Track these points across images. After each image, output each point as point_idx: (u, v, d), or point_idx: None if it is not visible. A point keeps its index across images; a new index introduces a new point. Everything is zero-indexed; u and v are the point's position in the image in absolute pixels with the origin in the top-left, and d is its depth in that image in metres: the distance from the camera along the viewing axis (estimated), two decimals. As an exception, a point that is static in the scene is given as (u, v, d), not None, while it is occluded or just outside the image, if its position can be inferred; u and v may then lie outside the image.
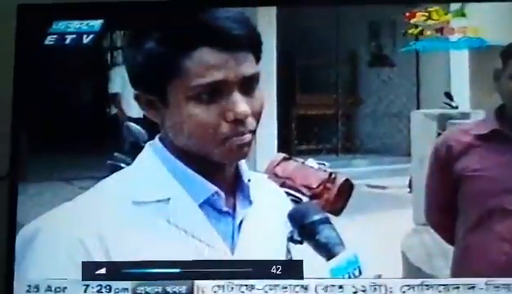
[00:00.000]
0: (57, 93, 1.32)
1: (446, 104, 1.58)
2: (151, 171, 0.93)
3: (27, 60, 1.21)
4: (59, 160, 1.29)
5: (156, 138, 0.96)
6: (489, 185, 1.21)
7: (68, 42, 1.22)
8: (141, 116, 1.04)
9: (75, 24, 1.23)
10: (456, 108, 1.55)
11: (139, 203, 0.91)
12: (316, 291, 1.03)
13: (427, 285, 1.04)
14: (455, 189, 1.25)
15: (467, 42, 1.28)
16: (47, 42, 1.22)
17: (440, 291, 1.05)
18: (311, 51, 1.89)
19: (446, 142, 1.28)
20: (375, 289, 1.04)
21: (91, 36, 1.23)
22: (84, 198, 0.94)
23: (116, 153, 1.29)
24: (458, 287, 1.05)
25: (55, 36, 1.22)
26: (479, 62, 1.36)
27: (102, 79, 1.48)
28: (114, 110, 1.51)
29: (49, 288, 1.02)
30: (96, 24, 1.23)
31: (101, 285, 1.00)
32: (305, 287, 1.03)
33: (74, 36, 1.23)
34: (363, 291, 1.05)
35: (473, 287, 1.04)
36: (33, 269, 0.93)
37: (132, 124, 1.38)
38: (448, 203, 1.26)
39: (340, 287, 1.04)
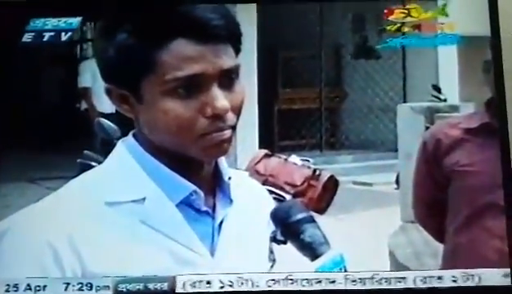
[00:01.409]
0: (23, 89, 1.30)
1: (434, 96, 1.58)
2: (125, 169, 0.91)
3: (3, 58, 1.22)
4: (25, 159, 1.28)
5: (130, 134, 0.94)
6: (480, 181, 1.21)
7: (46, 39, 1.24)
8: (114, 111, 1.02)
9: (53, 22, 1.25)
10: (445, 101, 1.56)
11: (112, 204, 0.89)
12: (183, 287, 1.04)
13: (291, 279, 1.06)
14: (444, 184, 1.25)
15: (443, 39, 1.31)
16: (24, 40, 1.24)
17: (304, 286, 1.07)
18: (293, 42, 1.88)
19: (435, 136, 1.28)
20: (242, 283, 1.05)
21: (69, 33, 1.25)
22: (53, 198, 0.92)
23: (86, 151, 1.28)
24: (320, 281, 1.07)
25: (32, 33, 1.24)
26: (468, 54, 1.36)
27: (71, 73, 1.47)
28: (84, 106, 1.50)
29: (28, 287, 1.02)
30: (75, 21, 1.25)
31: (81, 283, 1.01)
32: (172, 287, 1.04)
33: (52, 33, 1.24)
34: (230, 285, 1.06)
35: (334, 282, 1.07)
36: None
37: (103, 120, 1.36)
38: (437, 200, 1.26)
39: (208, 282, 1.05)
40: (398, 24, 1.30)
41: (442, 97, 1.57)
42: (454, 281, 1.08)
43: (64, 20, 1.25)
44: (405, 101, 1.82)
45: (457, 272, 1.09)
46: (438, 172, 1.26)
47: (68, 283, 1.01)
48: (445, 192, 1.25)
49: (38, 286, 1.02)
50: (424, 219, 1.33)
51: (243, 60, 0.92)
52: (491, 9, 1.23)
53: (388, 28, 1.30)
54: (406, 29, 1.30)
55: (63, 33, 1.25)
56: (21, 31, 1.24)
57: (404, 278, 1.08)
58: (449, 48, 1.55)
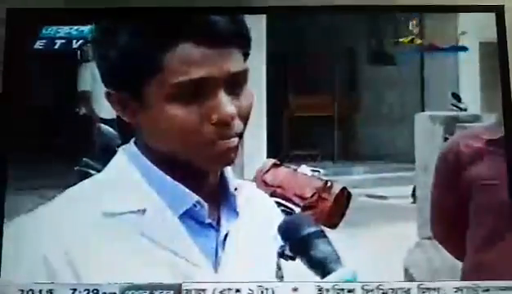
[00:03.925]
0: (17, 92, 1.32)
1: (454, 106, 1.57)
2: (125, 178, 0.91)
3: (16, 64, 1.26)
4: (17, 166, 1.28)
5: (131, 142, 0.94)
6: (503, 195, 1.20)
7: (57, 46, 1.30)
8: (114, 117, 1.03)
9: (65, 30, 1.31)
10: (465, 110, 1.55)
11: (110, 215, 0.89)
12: None
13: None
14: (464, 199, 1.24)
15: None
16: (36, 47, 1.29)
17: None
18: (304, 47, 1.88)
19: (455, 148, 1.27)
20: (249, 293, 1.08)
21: (80, 41, 1.31)
22: (47, 208, 0.92)
23: (85, 159, 1.28)
24: None
25: (44, 40, 1.29)
26: (491, 59, 1.35)
27: (69, 76, 1.47)
28: (83, 110, 1.50)
29: (40, 293, 1.05)
30: (86, 29, 1.30)
31: (88, 289, 1.03)
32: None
33: (64, 41, 1.30)
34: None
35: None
36: None
37: (103, 126, 1.37)
38: (457, 215, 1.25)
39: (215, 290, 1.06)
40: (411, 37, 1.36)
41: (462, 106, 1.56)
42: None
43: (75, 27, 1.30)
44: (423, 110, 1.81)
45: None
46: (458, 186, 1.25)
47: (75, 289, 1.02)
48: (465, 207, 1.24)
49: (45, 291, 1.04)
50: (443, 235, 1.32)
51: (251, 65, 0.91)
52: (498, 22, 1.27)
53: (402, 40, 1.32)
54: (418, 41, 1.37)
55: (74, 41, 1.31)
56: (34, 38, 1.29)
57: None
58: (470, 54, 1.55)
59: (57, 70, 1.46)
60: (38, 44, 1.29)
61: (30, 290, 1.04)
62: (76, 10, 1.29)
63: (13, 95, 1.25)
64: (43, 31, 1.29)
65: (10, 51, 1.25)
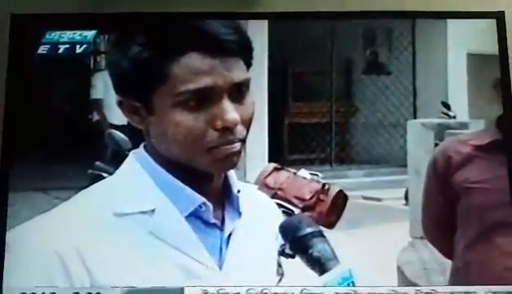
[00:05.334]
0: (34, 98, 1.31)
1: (444, 113, 1.58)
2: (135, 180, 0.92)
3: (20, 69, 1.25)
4: (34, 168, 1.28)
5: (141, 146, 0.94)
6: (490, 198, 1.20)
7: (61, 51, 1.27)
8: (125, 123, 1.03)
9: (68, 34, 1.28)
10: (454, 118, 1.55)
11: (121, 215, 0.90)
12: None
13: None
14: (454, 201, 1.24)
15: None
16: (39, 52, 1.26)
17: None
18: (304, 57, 1.88)
19: (445, 153, 1.27)
20: None
21: (84, 46, 1.28)
22: (62, 209, 0.92)
23: (97, 162, 1.28)
24: None
25: (48, 45, 1.27)
26: (478, 70, 1.36)
27: (83, 84, 1.47)
28: (95, 117, 1.50)
29: None
30: (90, 34, 1.28)
31: (90, 293, 0.99)
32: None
33: (67, 46, 1.28)
34: None
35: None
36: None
37: (114, 131, 1.36)
38: (447, 216, 1.26)
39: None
40: None
41: (451, 114, 1.56)
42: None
43: (79, 32, 1.28)
44: (415, 117, 1.81)
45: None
46: (448, 189, 1.25)
47: (77, 293, 1.00)
48: (454, 209, 1.24)
49: (47, 295, 1.04)
50: (433, 235, 1.32)
51: (254, 74, 0.92)
52: (498, 28, 1.25)
53: None
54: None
55: (78, 46, 1.28)
56: (37, 43, 1.26)
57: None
58: (459, 66, 1.56)
59: (65, 76, 1.45)
60: (42, 49, 1.26)
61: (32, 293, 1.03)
62: (79, 15, 1.28)
63: (19, 99, 1.23)
64: (47, 36, 1.27)
65: (14, 56, 1.23)
